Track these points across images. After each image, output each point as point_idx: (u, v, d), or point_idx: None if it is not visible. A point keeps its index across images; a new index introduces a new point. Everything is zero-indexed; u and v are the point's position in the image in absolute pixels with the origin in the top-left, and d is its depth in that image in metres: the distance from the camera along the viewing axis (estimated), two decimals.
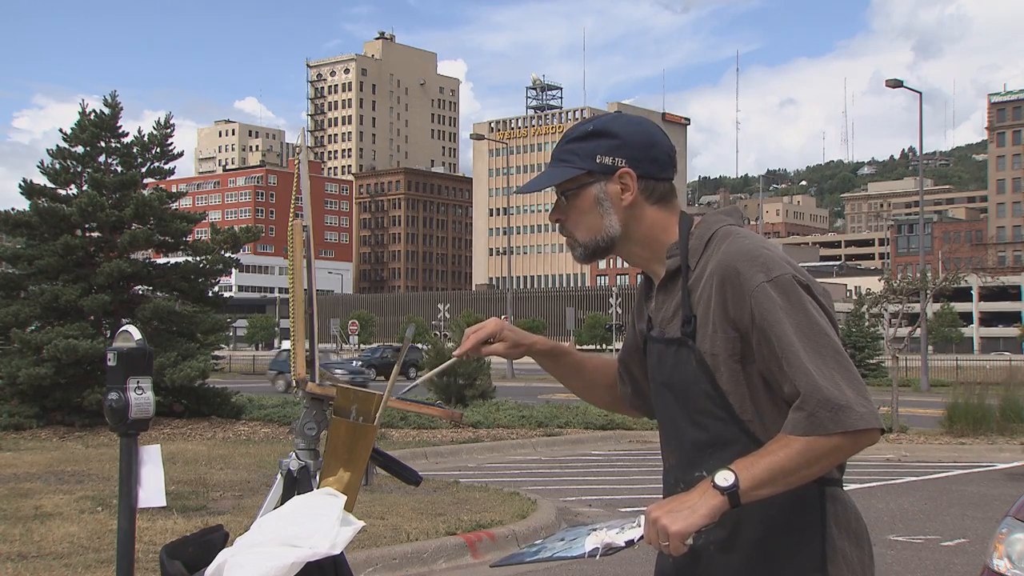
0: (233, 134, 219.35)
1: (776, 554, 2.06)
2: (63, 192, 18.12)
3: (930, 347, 44.92)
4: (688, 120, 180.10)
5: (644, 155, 2.15)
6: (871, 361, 36.98)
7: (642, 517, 1.99)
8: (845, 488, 2.16)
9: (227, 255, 18.49)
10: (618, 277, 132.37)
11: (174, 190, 20.82)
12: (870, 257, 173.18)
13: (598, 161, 2.14)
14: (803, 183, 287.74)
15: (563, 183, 2.19)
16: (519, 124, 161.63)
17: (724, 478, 1.91)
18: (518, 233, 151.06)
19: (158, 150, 18.46)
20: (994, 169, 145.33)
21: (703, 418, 2.10)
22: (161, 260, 19.11)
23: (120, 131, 18.21)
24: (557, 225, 2.25)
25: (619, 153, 2.14)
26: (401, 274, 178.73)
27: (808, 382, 1.92)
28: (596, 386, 2.51)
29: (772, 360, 1.99)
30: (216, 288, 19.30)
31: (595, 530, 2.05)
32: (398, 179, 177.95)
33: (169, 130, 18.65)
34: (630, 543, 2.00)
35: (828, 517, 2.06)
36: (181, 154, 19.23)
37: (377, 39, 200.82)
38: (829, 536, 2.05)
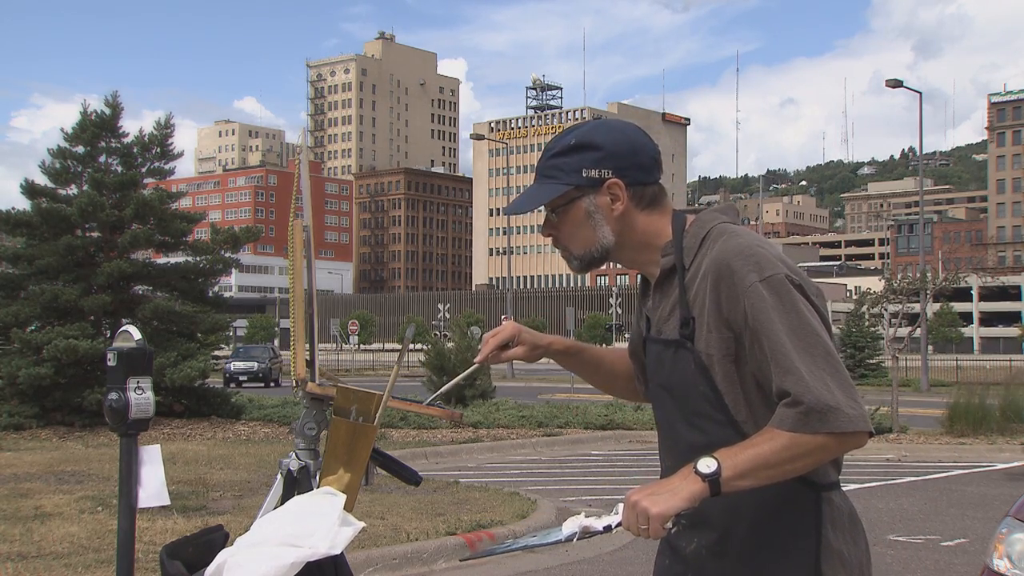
0: (233, 134, 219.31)
1: (769, 556, 2.06)
2: (63, 192, 18.13)
3: (930, 347, 44.92)
4: (688, 120, 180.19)
5: (630, 163, 2.14)
6: (871, 361, 36.89)
7: (620, 505, 2.00)
8: (845, 489, 2.15)
9: (227, 255, 18.50)
10: (618, 277, 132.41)
11: (174, 190, 20.83)
12: (870, 257, 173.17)
13: (584, 175, 2.12)
14: (803, 183, 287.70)
15: (552, 200, 2.18)
16: (519, 124, 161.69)
17: (707, 465, 1.92)
18: (518, 233, 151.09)
19: (158, 150, 18.46)
20: (994, 169, 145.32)
21: (700, 420, 2.09)
22: (161, 260, 19.11)
23: (120, 131, 18.22)
24: (550, 240, 2.24)
25: (605, 164, 2.12)
26: (401, 274, 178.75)
27: (798, 382, 1.92)
28: (616, 378, 2.51)
29: (763, 360, 1.98)
30: (216, 288, 19.30)
31: (573, 516, 2.09)
32: (398, 179, 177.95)
33: (169, 130, 18.66)
34: (608, 528, 2.04)
35: (824, 519, 2.05)
36: (181, 154, 19.24)
37: (377, 39, 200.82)
38: (824, 537, 2.05)
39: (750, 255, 2.02)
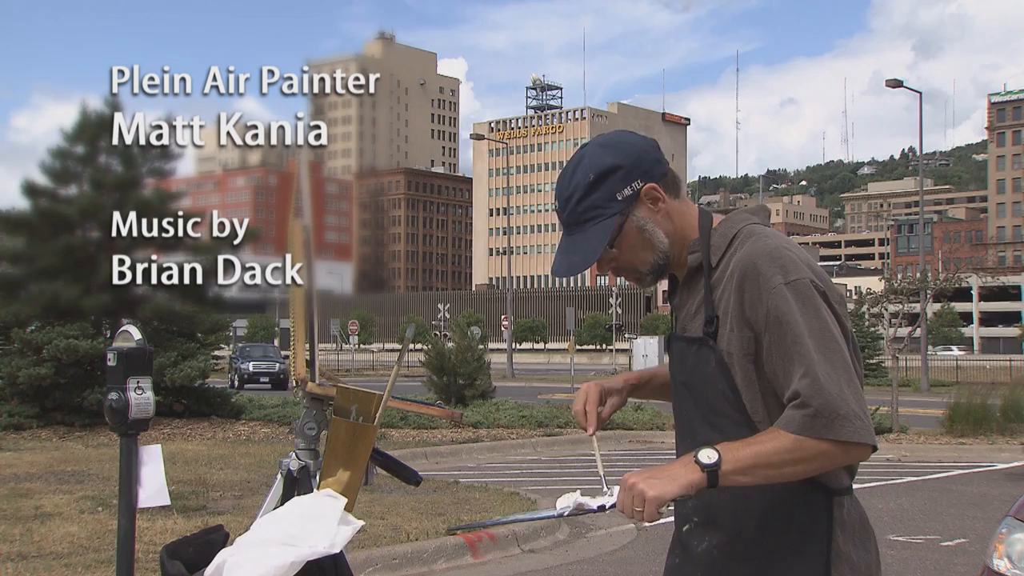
0: (233, 134, 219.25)
1: (779, 559, 2.07)
2: (64, 192, 18.12)
3: (930, 347, 44.92)
4: (688, 120, 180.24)
5: (648, 163, 2.15)
6: (871, 361, 36.92)
7: (616, 488, 2.01)
8: None
9: (227, 256, 18.48)
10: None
11: (174, 190, 20.81)
12: (870, 257, 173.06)
13: (620, 198, 2.12)
14: (803, 183, 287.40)
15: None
16: (519, 124, 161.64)
17: (707, 456, 1.94)
18: (518, 233, 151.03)
19: (158, 150, 18.46)
20: (994, 169, 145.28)
21: (718, 419, 2.11)
22: (161, 260, 19.09)
23: (120, 131, 18.19)
24: (612, 271, 2.23)
25: (633, 177, 2.13)
26: (401, 274, 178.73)
27: (812, 385, 1.93)
28: None
29: (780, 362, 2.00)
30: (216, 288, 19.30)
31: (568, 493, 2.10)
32: (398, 179, 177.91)
33: (169, 130, 18.63)
34: (601, 508, 2.06)
35: (834, 523, 2.06)
36: (181, 154, 19.22)
37: (378, 39, 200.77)
38: (834, 541, 2.06)
39: (777, 257, 2.03)
